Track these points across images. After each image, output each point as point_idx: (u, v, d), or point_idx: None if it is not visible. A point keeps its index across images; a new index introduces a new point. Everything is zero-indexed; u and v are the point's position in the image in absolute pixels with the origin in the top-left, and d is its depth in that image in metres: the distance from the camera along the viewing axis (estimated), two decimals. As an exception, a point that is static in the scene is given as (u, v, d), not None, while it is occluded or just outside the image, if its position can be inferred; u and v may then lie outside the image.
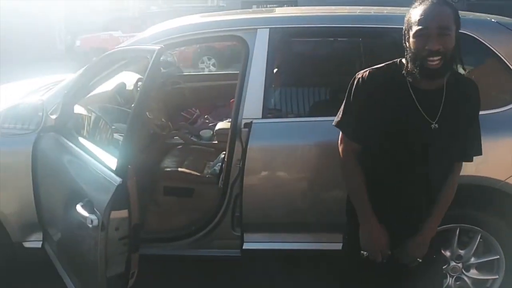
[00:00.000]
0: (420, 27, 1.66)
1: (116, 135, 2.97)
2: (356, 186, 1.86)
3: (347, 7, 3.27)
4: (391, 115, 1.77)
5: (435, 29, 1.64)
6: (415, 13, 1.70)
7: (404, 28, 1.76)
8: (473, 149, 1.86)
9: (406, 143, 1.77)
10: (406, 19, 1.75)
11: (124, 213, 1.98)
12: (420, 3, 1.71)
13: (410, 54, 1.70)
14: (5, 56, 10.85)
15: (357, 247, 1.89)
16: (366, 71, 1.82)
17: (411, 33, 1.69)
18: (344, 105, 1.88)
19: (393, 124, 1.77)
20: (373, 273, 1.88)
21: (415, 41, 1.67)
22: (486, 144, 2.48)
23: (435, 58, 1.63)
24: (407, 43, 1.72)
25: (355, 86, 1.83)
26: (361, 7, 3.09)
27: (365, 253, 1.86)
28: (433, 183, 1.84)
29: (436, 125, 1.74)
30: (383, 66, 1.84)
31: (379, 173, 1.85)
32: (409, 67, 1.73)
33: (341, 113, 1.90)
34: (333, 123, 1.92)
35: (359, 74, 1.84)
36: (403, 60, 1.79)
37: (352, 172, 1.88)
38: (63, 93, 2.68)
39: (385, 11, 2.97)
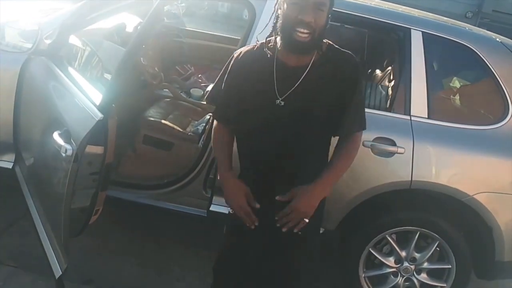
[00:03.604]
0: None
1: (106, 74, 2.95)
2: (219, 145, 1.94)
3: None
4: (249, 93, 1.78)
5: (311, 1, 1.62)
6: None
7: None
8: (353, 124, 1.82)
9: (257, 118, 1.79)
10: None
11: (99, 149, 1.99)
12: None
13: (280, 23, 1.68)
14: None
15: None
16: (240, 50, 1.85)
17: (287, 1, 1.65)
18: (218, 79, 1.92)
19: (248, 101, 1.79)
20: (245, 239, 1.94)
21: (289, 9, 1.64)
22: (463, 157, 2.59)
23: (305, 31, 1.62)
24: (279, 11, 1.70)
25: (228, 64, 1.87)
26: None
27: (231, 210, 1.92)
28: (293, 157, 1.81)
29: (282, 102, 1.72)
30: (256, 45, 1.83)
31: (245, 144, 1.90)
32: (278, 39, 1.73)
33: (213, 86, 1.97)
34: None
35: (236, 53, 1.87)
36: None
37: (218, 135, 1.95)
38: (62, 20, 2.64)
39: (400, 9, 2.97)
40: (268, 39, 1.77)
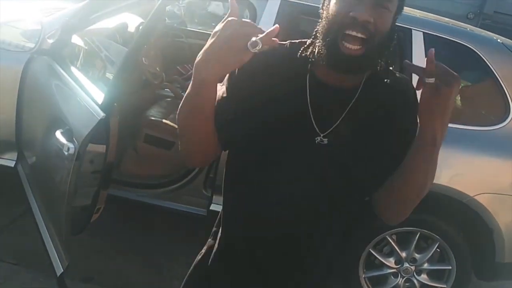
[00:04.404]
0: None
1: (108, 74, 2.96)
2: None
3: None
4: (265, 113, 1.11)
5: None
6: None
7: None
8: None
9: (277, 157, 1.13)
10: None
11: (101, 148, 1.99)
12: None
13: (324, 23, 1.07)
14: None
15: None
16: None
17: None
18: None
19: (262, 127, 1.12)
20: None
21: (337, 5, 1.04)
22: (463, 158, 2.59)
23: (358, 35, 1.01)
24: (324, 11, 1.09)
25: None
26: None
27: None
28: (318, 229, 1.22)
29: (325, 140, 1.11)
30: (285, 43, 1.17)
31: (243, 193, 1.22)
32: (316, 46, 1.09)
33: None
34: None
35: None
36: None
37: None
38: (64, 19, 2.65)
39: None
40: (301, 40, 1.18)
